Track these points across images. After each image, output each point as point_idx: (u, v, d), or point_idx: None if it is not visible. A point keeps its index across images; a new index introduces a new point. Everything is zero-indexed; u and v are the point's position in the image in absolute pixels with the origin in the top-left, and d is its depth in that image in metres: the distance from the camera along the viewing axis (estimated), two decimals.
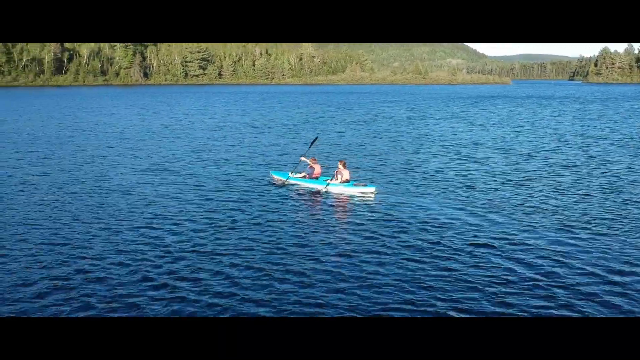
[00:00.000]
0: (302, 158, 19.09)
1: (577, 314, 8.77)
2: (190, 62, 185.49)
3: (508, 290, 9.64)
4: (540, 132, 36.55)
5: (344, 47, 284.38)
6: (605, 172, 20.76)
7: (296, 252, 11.64)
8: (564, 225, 13.62)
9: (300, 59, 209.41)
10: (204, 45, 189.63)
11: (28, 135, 33.86)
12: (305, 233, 12.97)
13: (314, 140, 20.34)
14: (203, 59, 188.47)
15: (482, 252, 11.61)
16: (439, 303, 9.07)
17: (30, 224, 13.70)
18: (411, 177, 19.88)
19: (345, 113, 54.96)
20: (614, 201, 15.97)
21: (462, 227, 13.43)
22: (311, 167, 18.38)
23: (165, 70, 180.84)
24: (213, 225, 13.60)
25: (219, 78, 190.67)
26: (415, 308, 8.88)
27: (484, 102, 76.35)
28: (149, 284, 9.92)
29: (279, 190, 17.57)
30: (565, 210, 15.03)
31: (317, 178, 18.13)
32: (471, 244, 12.12)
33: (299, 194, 17.07)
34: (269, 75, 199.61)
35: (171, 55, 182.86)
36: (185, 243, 12.23)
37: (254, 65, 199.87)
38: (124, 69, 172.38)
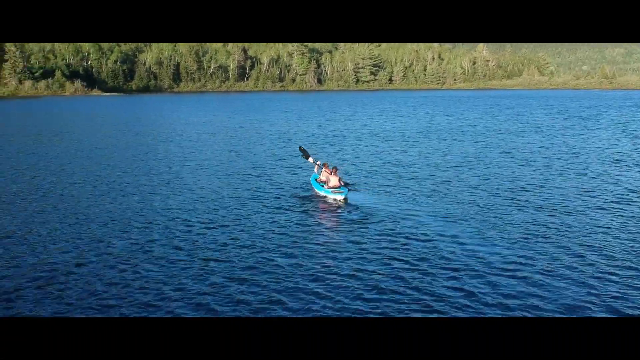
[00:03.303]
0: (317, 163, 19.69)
1: (577, 314, 8.91)
2: (362, 68, 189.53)
3: (508, 290, 9.89)
4: None
5: (523, 50, 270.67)
6: None
7: (295, 253, 12.12)
8: (574, 231, 13.88)
9: (474, 63, 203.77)
10: (376, 51, 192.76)
11: (169, 135, 37.48)
12: (302, 237, 13.41)
13: (304, 153, 20.54)
14: (374, 65, 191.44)
15: (484, 254, 11.98)
16: (438, 303, 9.29)
17: (49, 219, 15.09)
18: (468, 188, 18.77)
19: (494, 120, 52.60)
20: None
21: (467, 231, 13.81)
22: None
23: (338, 77, 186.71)
24: (225, 228, 14.20)
25: (390, 84, 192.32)
26: (415, 308, 9.09)
27: None
28: (150, 284, 10.25)
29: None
30: (589, 219, 14.93)
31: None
32: (473, 246, 12.54)
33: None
34: (440, 80, 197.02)
35: (344, 61, 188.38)
36: (186, 245, 12.79)
37: (424, 70, 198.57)
38: (300, 75, 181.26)
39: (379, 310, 9.04)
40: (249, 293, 9.79)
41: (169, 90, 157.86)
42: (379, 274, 10.75)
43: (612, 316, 8.82)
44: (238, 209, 16.39)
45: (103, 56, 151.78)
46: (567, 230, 13.91)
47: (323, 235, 13.85)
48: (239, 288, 10.03)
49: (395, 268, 11.08)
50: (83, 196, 18.23)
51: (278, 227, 14.27)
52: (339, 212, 16.08)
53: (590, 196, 18.00)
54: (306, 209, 16.63)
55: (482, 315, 8.82)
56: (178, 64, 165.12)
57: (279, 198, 17.96)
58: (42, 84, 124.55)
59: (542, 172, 23.04)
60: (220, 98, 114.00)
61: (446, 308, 9.11)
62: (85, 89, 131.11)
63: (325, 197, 17.71)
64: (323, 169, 18.75)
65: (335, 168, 18.24)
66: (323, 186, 18.14)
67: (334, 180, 17.89)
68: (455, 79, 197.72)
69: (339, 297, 9.61)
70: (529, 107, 77.25)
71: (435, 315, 8.84)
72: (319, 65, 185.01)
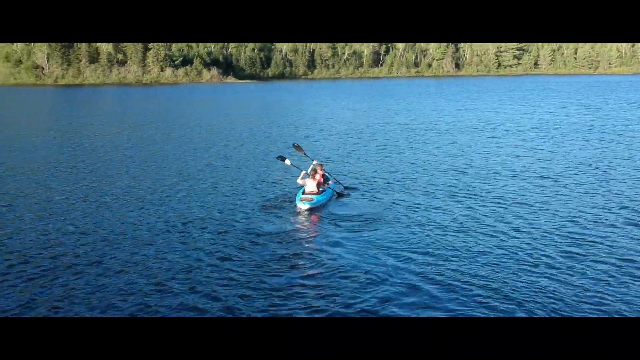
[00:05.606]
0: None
1: (577, 314, 8.85)
2: (504, 51, 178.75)
3: (508, 290, 9.74)
4: None
5: None
6: None
7: (295, 253, 12.04)
8: (571, 227, 13.61)
9: (633, 45, 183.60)
10: None
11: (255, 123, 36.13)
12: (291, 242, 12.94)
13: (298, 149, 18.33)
14: (519, 49, 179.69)
15: (483, 253, 11.76)
16: (438, 303, 9.27)
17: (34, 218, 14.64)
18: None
19: (638, 112, 45.46)
20: None
21: (465, 228, 13.73)
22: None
23: (478, 61, 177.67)
24: (223, 229, 13.77)
25: (535, 68, 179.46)
26: (414, 308, 9.10)
27: None
28: (150, 284, 10.23)
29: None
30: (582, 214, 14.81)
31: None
32: (471, 245, 12.25)
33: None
34: (592, 64, 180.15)
35: (485, 45, 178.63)
36: (187, 245, 12.58)
37: (575, 53, 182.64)
38: (437, 60, 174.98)
39: (379, 311, 9.02)
40: (252, 293, 9.80)
41: (304, 77, 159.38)
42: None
43: (612, 316, 8.72)
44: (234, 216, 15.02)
45: (242, 44, 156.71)
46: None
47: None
48: (244, 289, 10.00)
49: (393, 267, 11.01)
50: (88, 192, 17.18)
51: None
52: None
53: None
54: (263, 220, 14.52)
55: (482, 315, 8.76)
56: (313, 51, 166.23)
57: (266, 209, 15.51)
58: (181, 71, 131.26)
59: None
60: (350, 84, 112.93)
61: (446, 308, 9.09)
62: (221, 76, 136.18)
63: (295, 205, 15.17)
64: (310, 168, 16.02)
65: (315, 171, 15.55)
66: (303, 192, 15.38)
67: (310, 185, 15.22)
68: (610, 63, 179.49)
69: (339, 297, 9.62)
70: None
71: (435, 315, 8.81)
72: (457, 50, 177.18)
